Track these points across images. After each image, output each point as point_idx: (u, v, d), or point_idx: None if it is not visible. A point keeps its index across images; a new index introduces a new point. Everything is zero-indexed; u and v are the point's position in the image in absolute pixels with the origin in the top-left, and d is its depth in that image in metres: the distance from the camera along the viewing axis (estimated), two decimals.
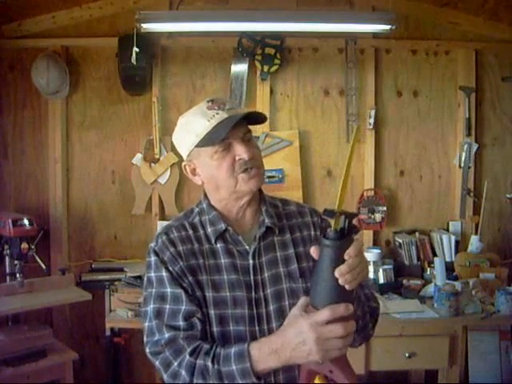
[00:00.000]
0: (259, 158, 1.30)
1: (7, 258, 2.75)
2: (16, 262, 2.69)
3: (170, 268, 1.26)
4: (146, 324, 1.25)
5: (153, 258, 1.29)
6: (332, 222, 1.06)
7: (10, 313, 2.66)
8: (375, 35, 3.18)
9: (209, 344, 1.18)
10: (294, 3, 3.18)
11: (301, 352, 1.07)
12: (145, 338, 1.25)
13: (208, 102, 1.30)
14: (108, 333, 2.66)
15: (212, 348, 1.16)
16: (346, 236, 1.06)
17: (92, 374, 3.26)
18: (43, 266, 2.80)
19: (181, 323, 1.21)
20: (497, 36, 3.28)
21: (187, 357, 1.16)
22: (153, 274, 1.28)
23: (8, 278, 2.76)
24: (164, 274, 1.26)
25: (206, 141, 1.25)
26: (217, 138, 1.23)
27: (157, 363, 1.22)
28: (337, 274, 1.04)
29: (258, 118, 1.32)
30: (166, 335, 1.21)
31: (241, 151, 1.25)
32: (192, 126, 1.28)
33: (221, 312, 1.24)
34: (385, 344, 2.51)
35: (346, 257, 1.04)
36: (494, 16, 3.18)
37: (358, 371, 2.57)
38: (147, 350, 1.24)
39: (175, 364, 1.17)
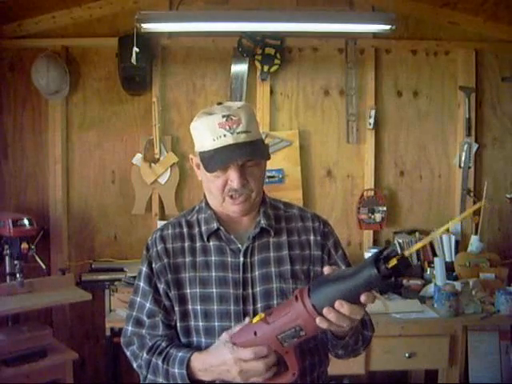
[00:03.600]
0: (255, 184, 1.29)
1: (7, 258, 2.74)
2: (16, 261, 2.68)
3: (153, 264, 1.34)
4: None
5: (144, 252, 1.38)
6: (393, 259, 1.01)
7: (10, 313, 2.65)
8: (375, 35, 3.18)
9: (166, 342, 1.28)
10: (293, 3, 3.18)
11: (226, 377, 1.18)
12: None
13: (223, 117, 1.24)
14: (108, 333, 2.65)
15: (167, 347, 1.27)
16: (389, 279, 1.02)
17: (92, 374, 3.27)
18: (43, 266, 2.80)
19: (145, 319, 1.33)
20: (497, 36, 3.28)
21: (145, 354, 1.29)
22: (140, 267, 1.38)
23: (8, 277, 2.76)
24: (144, 268, 1.36)
25: (204, 162, 1.27)
26: (211, 168, 1.25)
27: (128, 354, 1.35)
28: (336, 304, 1.04)
29: (263, 153, 1.31)
30: (133, 328, 1.34)
31: (233, 178, 1.25)
32: (200, 134, 1.29)
33: (206, 308, 1.29)
34: (385, 344, 2.52)
35: (361, 299, 1.04)
36: (493, 16, 3.18)
37: (358, 371, 2.58)
38: (121, 340, 1.38)
39: (140, 356, 1.31)
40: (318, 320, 1.05)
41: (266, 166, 1.36)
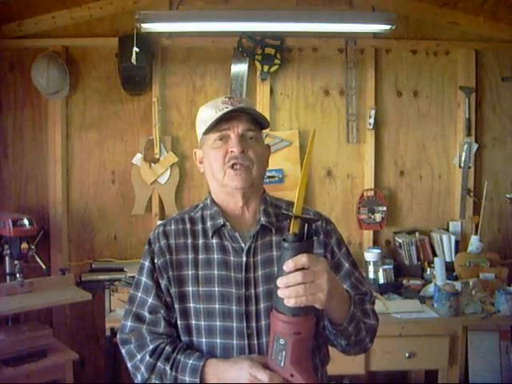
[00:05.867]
0: (255, 158, 1.31)
1: (7, 258, 2.74)
2: (16, 262, 2.68)
3: (155, 260, 1.33)
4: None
5: (146, 247, 1.37)
6: (291, 225, 1.07)
7: (10, 313, 2.65)
8: (375, 35, 3.18)
9: (171, 346, 1.26)
10: (293, 3, 3.18)
11: None
12: None
13: (226, 97, 1.34)
14: (108, 333, 2.65)
15: (173, 352, 1.25)
16: (303, 240, 1.06)
17: (92, 374, 3.27)
18: (43, 266, 2.80)
19: (146, 314, 1.31)
20: (497, 36, 3.28)
21: (147, 357, 1.26)
22: (141, 261, 1.36)
23: (8, 277, 2.76)
24: (147, 263, 1.35)
25: (208, 128, 1.30)
26: (211, 127, 1.29)
27: (123, 352, 1.32)
28: (277, 283, 1.05)
29: (261, 121, 1.35)
30: (132, 324, 1.31)
31: (233, 144, 1.29)
32: (204, 116, 1.35)
33: (209, 306, 1.28)
34: (385, 344, 2.52)
35: (284, 268, 1.05)
36: (493, 16, 3.18)
37: (358, 371, 2.58)
38: (117, 336, 1.34)
39: (138, 357, 1.28)
40: (284, 301, 1.05)
41: (267, 153, 1.40)
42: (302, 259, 1.04)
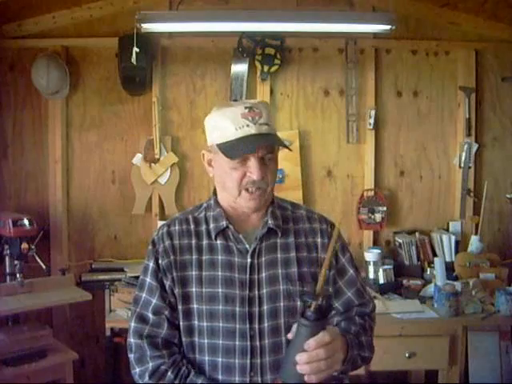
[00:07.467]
0: (271, 178, 1.30)
1: (7, 258, 2.74)
2: (16, 262, 2.68)
3: (160, 261, 1.32)
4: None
5: (150, 247, 1.36)
6: (312, 303, 1.08)
7: (10, 313, 2.65)
8: (375, 35, 3.18)
9: (173, 372, 1.25)
10: (293, 3, 3.18)
11: None
12: None
13: (246, 108, 1.26)
14: (108, 333, 2.66)
15: (176, 379, 1.24)
16: (323, 318, 1.08)
17: (92, 374, 3.27)
18: (43, 266, 2.80)
19: (150, 315, 1.30)
20: (497, 36, 3.28)
21: (147, 377, 1.26)
22: (145, 262, 1.36)
23: (8, 277, 2.76)
24: (151, 264, 1.34)
25: (225, 151, 1.25)
26: (234, 155, 1.24)
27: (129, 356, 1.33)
28: (297, 358, 1.07)
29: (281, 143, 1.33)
30: (136, 325, 1.31)
31: (253, 170, 1.26)
32: (221, 125, 1.28)
33: (212, 307, 1.28)
34: (385, 344, 2.52)
35: (305, 347, 1.07)
36: (493, 16, 3.18)
37: (358, 371, 2.57)
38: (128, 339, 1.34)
39: (137, 371, 1.29)
40: (306, 378, 1.07)
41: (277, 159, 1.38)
42: (325, 338, 1.07)
